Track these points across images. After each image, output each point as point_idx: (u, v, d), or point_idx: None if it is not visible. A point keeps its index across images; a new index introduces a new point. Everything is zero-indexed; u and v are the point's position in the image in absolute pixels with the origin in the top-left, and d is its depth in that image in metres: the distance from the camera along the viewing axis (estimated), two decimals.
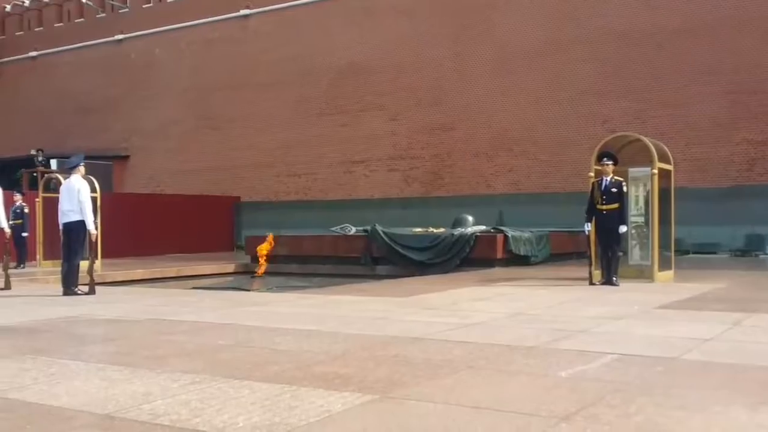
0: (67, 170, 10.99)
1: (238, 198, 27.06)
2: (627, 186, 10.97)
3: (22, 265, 17.23)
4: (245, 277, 16.86)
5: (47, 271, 16.37)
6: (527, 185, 22.21)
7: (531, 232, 16.18)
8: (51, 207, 17.80)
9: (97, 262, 17.32)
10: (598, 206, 10.63)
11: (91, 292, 10.25)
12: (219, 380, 4.41)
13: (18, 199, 17.73)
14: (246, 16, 28.30)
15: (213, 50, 28.87)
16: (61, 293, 10.03)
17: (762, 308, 7.55)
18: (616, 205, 10.52)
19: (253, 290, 13.25)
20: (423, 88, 24.25)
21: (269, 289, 13.03)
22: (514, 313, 7.46)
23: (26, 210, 17.62)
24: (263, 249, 16.85)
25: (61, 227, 10.38)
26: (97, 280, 10.55)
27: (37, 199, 18.32)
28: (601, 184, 10.65)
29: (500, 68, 22.96)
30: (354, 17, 25.77)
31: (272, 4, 27.60)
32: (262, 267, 16.78)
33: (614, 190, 10.57)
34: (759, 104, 19.46)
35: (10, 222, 17.16)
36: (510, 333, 6.14)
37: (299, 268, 16.81)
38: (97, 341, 6.15)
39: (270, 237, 17.07)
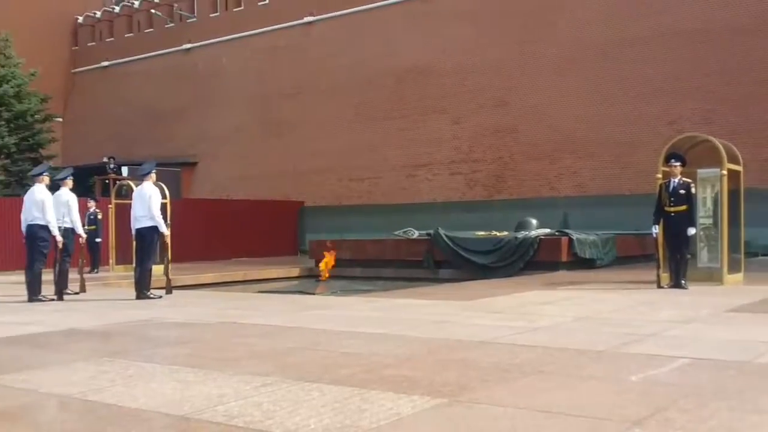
0: (140, 177, 11.32)
1: (302, 203, 27.41)
2: (696, 187, 10.73)
3: (95, 270, 17.81)
4: (309, 281, 17.06)
5: (120, 276, 16.87)
6: (592, 187, 21.86)
7: (596, 234, 15.91)
8: (123, 213, 18.44)
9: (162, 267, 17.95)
10: (666, 208, 10.41)
11: (169, 292, 10.63)
12: (289, 383, 4.48)
13: (92, 205, 18.32)
14: (310, 22, 28.67)
15: (277, 57, 29.34)
16: (134, 297, 10.35)
17: None
18: (684, 207, 10.29)
19: (317, 294, 13.39)
20: (486, 90, 24.13)
21: (333, 293, 13.15)
22: (582, 316, 7.37)
23: (99, 216, 18.19)
24: (326, 263, 17.07)
25: (133, 232, 10.73)
26: (166, 284, 10.87)
27: (109, 206, 18.89)
28: (669, 185, 10.43)
29: (565, 68, 22.67)
30: (416, 21, 25.84)
31: (335, 11, 27.91)
32: (326, 275, 16.97)
33: (682, 191, 10.34)
34: None
35: (85, 228, 17.87)
36: (578, 337, 6.07)
37: (362, 271, 16.91)
38: (170, 344, 6.31)
39: (332, 254, 17.21)
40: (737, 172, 11.40)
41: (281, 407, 3.90)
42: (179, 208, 20.03)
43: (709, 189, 11.18)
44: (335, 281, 16.21)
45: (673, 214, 10.34)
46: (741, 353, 5.12)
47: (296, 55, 28.73)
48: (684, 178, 10.44)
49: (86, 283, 11.50)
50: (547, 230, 16.13)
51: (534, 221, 16.88)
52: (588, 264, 15.03)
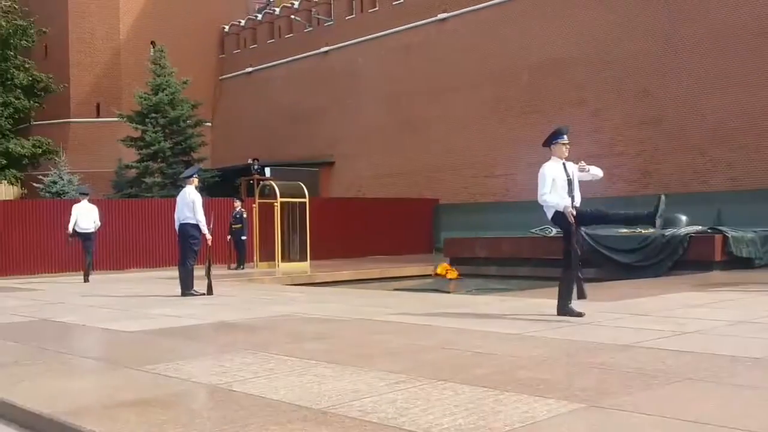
0: (182, 180, 11.53)
1: (437, 200, 27.42)
2: None
3: (242, 266, 18.63)
4: (444, 279, 17.06)
5: (263, 272, 17.57)
6: (748, 181, 20.42)
7: (755, 232, 14.83)
8: (267, 212, 19.22)
9: (305, 264, 18.53)
10: None
11: (209, 293, 10.75)
12: (423, 381, 4.46)
13: (237, 205, 19.20)
14: (443, 19, 28.63)
15: (412, 55, 29.51)
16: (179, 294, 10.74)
17: None
18: None
19: (452, 292, 13.32)
20: (627, 80, 23.11)
21: (468, 291, 13.04)
22: (737, 320, 6.86)
23: (245, 215, 19.02)
24: (445, 269, 17.24)
25: (177, 232, 10.98)
26: (306, 281, 11.16)
27: (254, 205, 19.73)
28: None
29: (715, 53, 21.26)
30: (550, 11, 25.14)
31: (468, 6, 27.69)
32: (452, 273, 17.10)
33: None
34: None
35: (232, 226, 18.76)
36: (732, 342, 5.65)
37: (498, 270, 16.68)
38: (309, 339, 6.45)
39: (447, 268, 17.29)
40: None
41: (414, 405, 3.90)
42: (316, 207, 20.58)
43: None
44: (470, 280, 16.08)
45: None
46: None
47: (430, 52, 28.76)
48: None
49: (228, 280, 11.91)
50: (699, 227, 15.22)
51: (684, 218, 15.97)
52: (745, 264, 14.04)
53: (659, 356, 5.14)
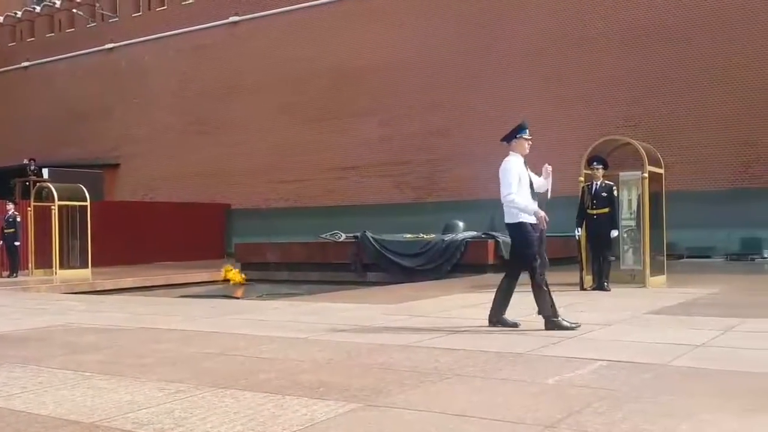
0: None
1: (229, 205, 27.00)
2: (618, 190, 10.99)
3: (15, 274, 17.17)
4: (235, 284, 16.85)
5: (40, 280, 16.33)
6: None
7: None
8: (43, 216, 17.86)
9: (86, 271, 17.47)
10: (589, 211, 10.64)
11: None
12: (203, 389, 4.39)
13: (11, 208, 17.69)
14: (235, 22, 28.27)
15: (203, 56, 28.85)
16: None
17: (755, 313, 7.50)
18: (606, 210, 10.54)
19: (240, 298, 13.17)
20: (417, 91, 24.13)
21: (259, 297, 12.97)
22: None
23: (18, 219, 17.56)
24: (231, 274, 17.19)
25: None
26: (86, 288, 10.53)
27: (29, 208, 18.29)
28: (591, 188, 10.65)
29: (511, 71, 22.72)
30: (346, 21, 25.71)
31: (261, 11, 27.58)
32: (236, 276, 17.06)
33: (604, 194, 10.58)
34: (756, 105, 19.42)
35: (5, 231, 17.21)
36: (499, 340, 6.10)
37: (289, 275, 16.78)
38: (84, 350, 6.10)
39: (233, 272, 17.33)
40: (659, 175, 11.69)
41: (193, 414, 3.83)
42: (99, 210, 19.54)
43: (633, 191, 11.44)
44: (261, 285, 16.02)
45: (595, 216, 10.56)
46: (659, 356, 5.18)
47: (222, 54, 28.27)
48: (606, 181, 10.69)
49: (1, 289, 11.05)
50: (474, 233, 16.29)
51: (461, 224, 17.04)
52: None
53: (433, 355, 5.42)
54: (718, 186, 19.70)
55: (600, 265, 10.55)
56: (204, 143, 28.33)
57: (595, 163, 10.70)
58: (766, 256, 18.83)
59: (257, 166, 26.93)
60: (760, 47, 19.30)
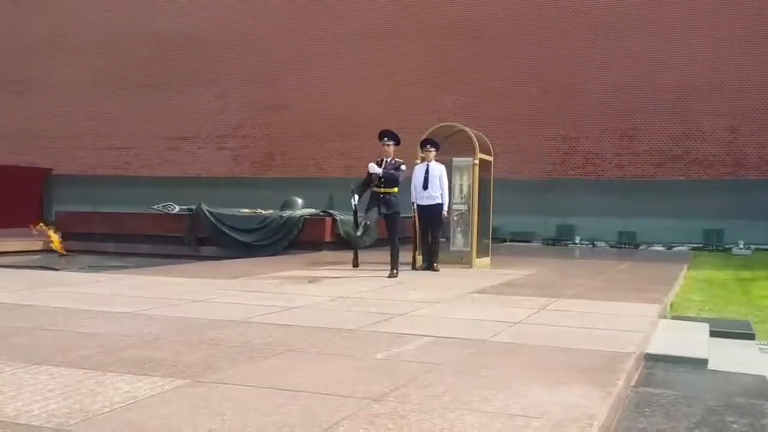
0: None
1: (50, 170, 25.28)
2: (451, 175, 11.35)
3: None
4: (54, 255, 15.82)
5: None
6: (361, 169, 22.40)
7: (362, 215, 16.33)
8: None
9: None
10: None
11: None
12: (14, 365, 4.09)
13: None
14: None
15: (20, 9, 26.59)
16: None
17: (565, 293, 8.08)
18: (395, 189, 10.33)
19: (63, 270, 12.38)
20: (257, 64, 23.73)
21: (82, 269, 12.26)
22: (338, 296, 7.49)
23: None
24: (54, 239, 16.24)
25: None
26: None
27: None
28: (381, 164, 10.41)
29: (339, 48, 22.83)
30: None
31: None
32: (61, 249, 16.11)
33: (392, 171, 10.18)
34: (570, 101, 20.87)
35: None
36: (332, 316, 6.15)
37: (116, 247, 16.02)
38: None
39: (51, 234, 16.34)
40: (489, 162, 12.26)
41: (1, 392, 3.55)
42: None
43: (465, 177, 11.88)
44: (85, 256, 15.16)
45: (382, 195, 10.40)
46: (481, 332, 5.46)
47: (43, 8, 26.20)
48: (396, 159, 10.26)
49: None
50: (312, 210, 16.31)
51: (300, 200, 17.00)
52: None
53: (266, 330, 5.38)
54: (538, 175, 21.06)
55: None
56: (18, 103, 26.22)
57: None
58: (577, 241, 20.44)
59: (81, 131, 25.34)
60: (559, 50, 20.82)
